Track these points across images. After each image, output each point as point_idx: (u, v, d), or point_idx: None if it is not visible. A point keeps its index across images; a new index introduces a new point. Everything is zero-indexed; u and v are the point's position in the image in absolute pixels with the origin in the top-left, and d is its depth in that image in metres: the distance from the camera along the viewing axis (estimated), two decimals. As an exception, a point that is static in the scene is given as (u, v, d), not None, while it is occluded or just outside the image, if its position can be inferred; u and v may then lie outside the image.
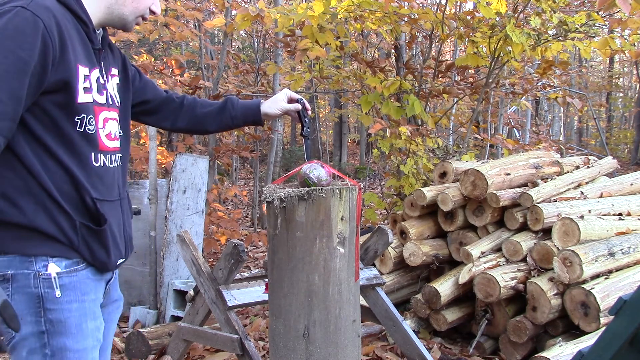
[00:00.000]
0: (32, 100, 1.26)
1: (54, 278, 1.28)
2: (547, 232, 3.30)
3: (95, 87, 1.38)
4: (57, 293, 1.28)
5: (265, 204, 1.63)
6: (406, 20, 4.72)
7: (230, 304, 2.52)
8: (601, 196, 3.78)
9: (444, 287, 3.36)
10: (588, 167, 4.14)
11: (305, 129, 1.84)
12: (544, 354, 2.61)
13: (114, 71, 1.52)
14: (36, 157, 1.29)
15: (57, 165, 1.31)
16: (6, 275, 1.25)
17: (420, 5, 5.53)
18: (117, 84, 1.53)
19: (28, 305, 1.26)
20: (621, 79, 21.28)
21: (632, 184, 4.09)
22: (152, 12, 1.49)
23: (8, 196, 1.24)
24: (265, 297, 1.86)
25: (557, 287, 3.00)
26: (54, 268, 1.28)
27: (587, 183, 3.97)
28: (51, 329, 1.28)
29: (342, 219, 1.59)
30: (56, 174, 1.31)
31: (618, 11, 4.24)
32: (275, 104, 1.82)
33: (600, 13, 4.49)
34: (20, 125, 1.26)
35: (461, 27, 4.66)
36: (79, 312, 1.32)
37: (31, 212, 1.26)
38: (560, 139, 13.84)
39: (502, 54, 4.52)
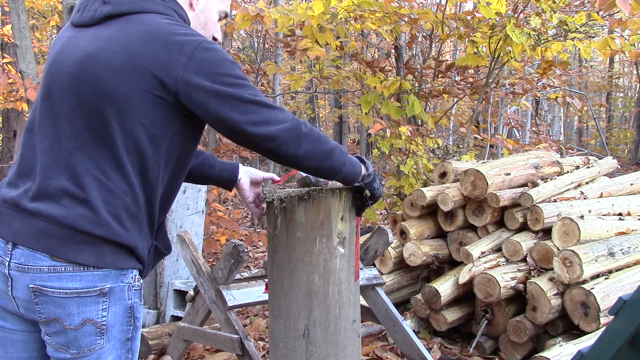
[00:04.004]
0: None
1: (141, 288, 1.35)
2: (547, 232, 3.30)
3: None
4: (141, 302, 1.35)
5: (265, 204, 1.63)
6: (406, 20, 4.72)
7: (230, 304, 2.52)
8: (601, 196, 3.78)
9: (444, 287, 3.36)
10: (588, 167, 4.14)
11: None
12: (544, 354, 2.61)
13: None
14: (165, 183, 1.35)
15: (170, 189, 1.39)
16: (104, 290, 1.26)
17: (420, 5, 5.52)
18: None
19: (122, 317, 1.31)
20: (621, 79, 21.24)
21: (632, 184, 4.09)
22: (215, 39, 1.51)
23: (121, 218, 1.27)
24: (265, 297, 1.86)
25: (557, 287, 3.00)
26: (138, 279, 1.34)
27: (587, 183, 3.97)
28: (135, 334, 1.35)
29: (342, 219, 1.58)
30: (158, 199, 1.35)
31: (618, 11, 4.24)
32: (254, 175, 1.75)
33: (600, 13, 4.49)
34: (173, 147, 1.33)
35: (461, 27, 4.66)
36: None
37: (134, 233, 1.30)
38: (560, 139, 13.84)
39: (502, 54, 4.52)
